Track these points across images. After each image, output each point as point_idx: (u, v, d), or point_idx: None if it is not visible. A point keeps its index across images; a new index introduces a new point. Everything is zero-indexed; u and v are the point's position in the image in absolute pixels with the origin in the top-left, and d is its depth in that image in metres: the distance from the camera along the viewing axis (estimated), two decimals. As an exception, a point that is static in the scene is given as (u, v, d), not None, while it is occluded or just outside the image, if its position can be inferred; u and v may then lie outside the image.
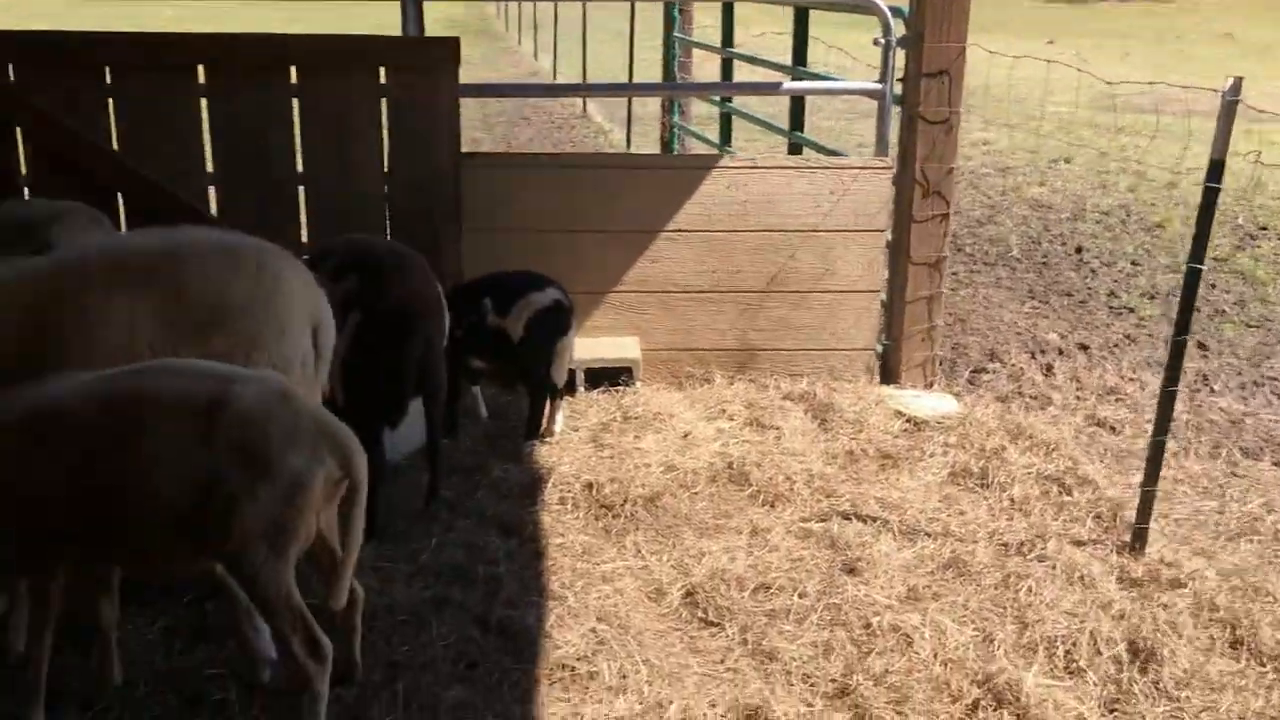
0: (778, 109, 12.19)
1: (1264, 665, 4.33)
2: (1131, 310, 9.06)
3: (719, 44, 12.04)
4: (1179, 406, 6.04)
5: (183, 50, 6.27)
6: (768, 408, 6.55)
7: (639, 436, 6.10)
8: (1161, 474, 5.16)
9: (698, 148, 12.63)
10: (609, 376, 6.84)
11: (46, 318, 3.99)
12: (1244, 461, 6.36)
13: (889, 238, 7.02)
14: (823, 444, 6.18)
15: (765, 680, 4.19)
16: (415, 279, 5.30)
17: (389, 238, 6.46)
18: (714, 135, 12.30)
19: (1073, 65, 8.40)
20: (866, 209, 6.86)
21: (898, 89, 6.93)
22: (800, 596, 4.71)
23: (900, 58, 6.88)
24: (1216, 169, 4.65)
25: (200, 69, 6.26)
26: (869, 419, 6.41)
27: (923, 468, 5.96)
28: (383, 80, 6.38)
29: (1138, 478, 5.25)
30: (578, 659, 4.27)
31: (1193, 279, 4.79)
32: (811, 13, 9.90)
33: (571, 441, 6.13)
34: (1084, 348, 8.14)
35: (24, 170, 6.31)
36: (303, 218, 6.58)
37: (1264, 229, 11.49)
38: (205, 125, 6.39)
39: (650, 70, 15.78)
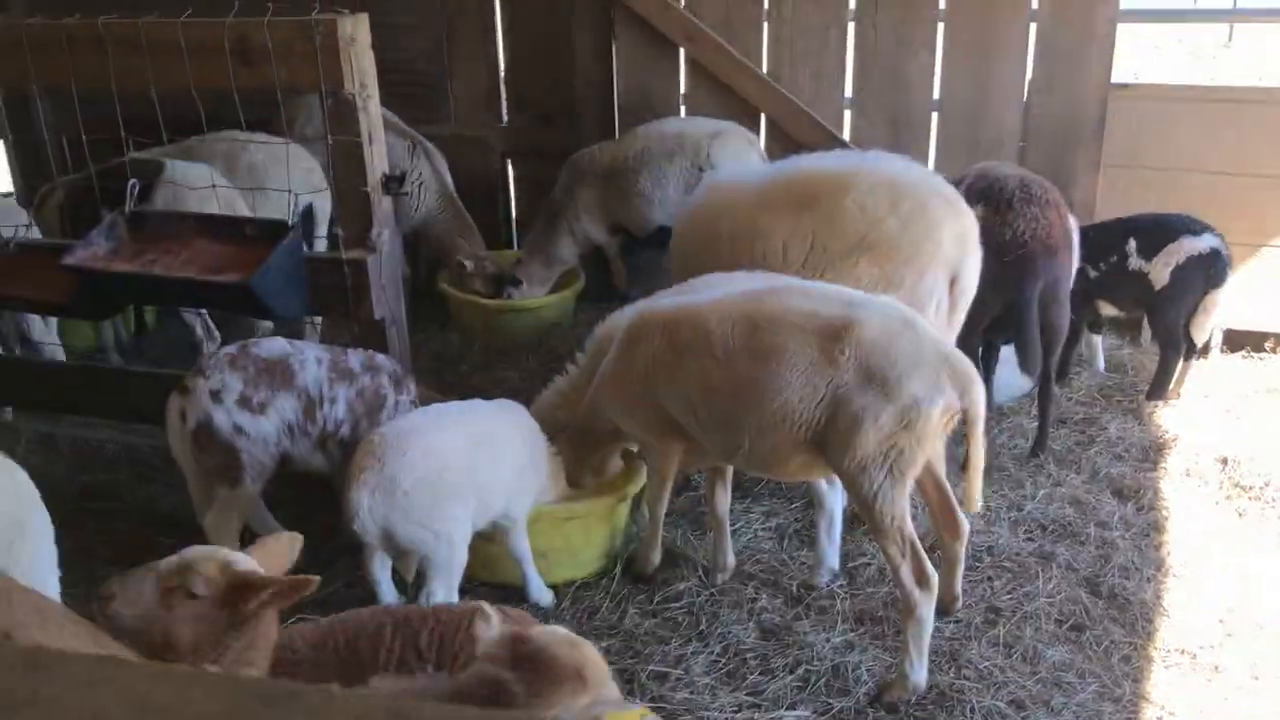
0: None
1: None
2: None
3: None
4: None
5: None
6: None
7: (1288, 414, 5.36)
8: None
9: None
10: (1251, 342, 6.06)
11: (719, 225, 4.44)
12: None
13: None
14: None
15: None
16: (1045, 214, 4.90)
17: (1021, 165, 6.19)
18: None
19: None
20: None
21: None
22: None
23: None
24: None
25: (851, -8, 6.37)
26: None
27: None
28: (1034, 5, 6.06)
29: None
30: (1200, 647, 3.88)
31: None
32: None
33: (1200, 408, 5.52)
34: None
35: (683, 88, 6.86)
36: (931, 144, 6.51)
37: None
38: (849, 50, 6.51)
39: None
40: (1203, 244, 5.30)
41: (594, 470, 4.47)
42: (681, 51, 6.73)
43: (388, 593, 4.06)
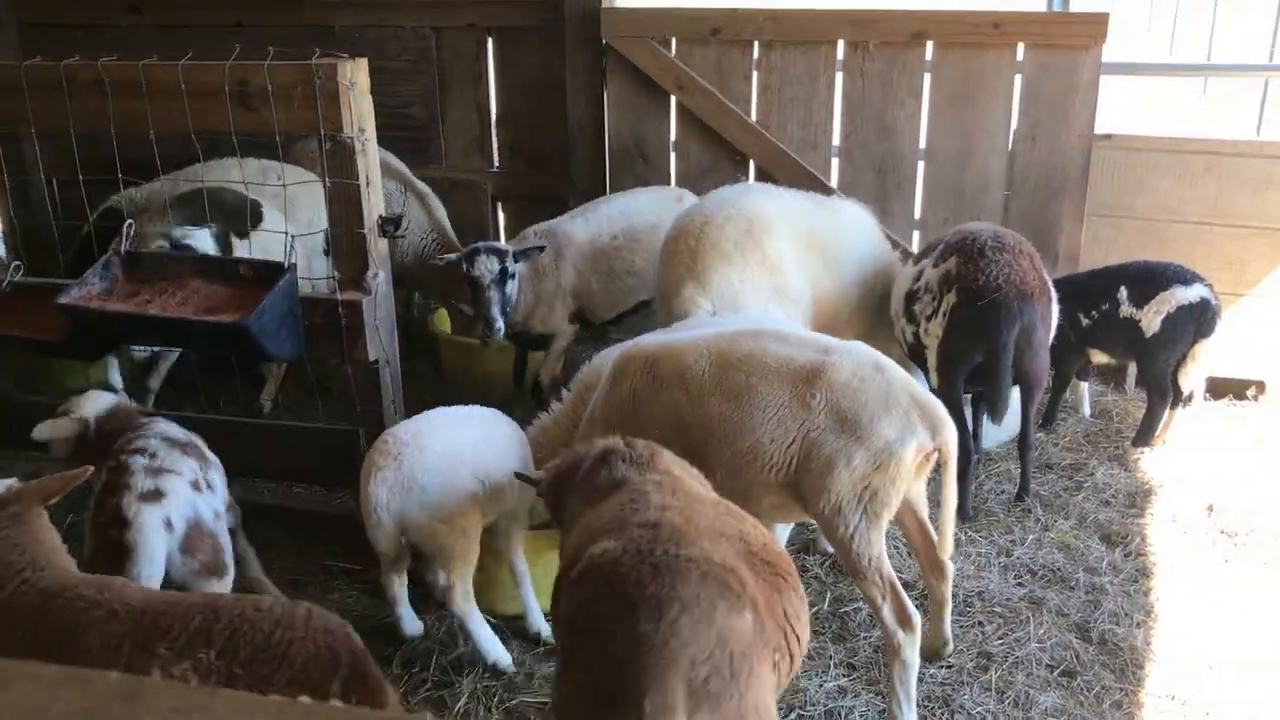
0: None
1: None
2: None
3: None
4: None
5: (824, 26, 6.51)
6: None
7: (1271, 461, 5.41)
8: None
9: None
10: (1234, 390, 6.14)
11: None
12: None
13: None
14: None
15: None
16: (1018, 261, 4.95)
17: (1005, 215, 6.29)
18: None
19: None
20: None
21: None
22: None
23: None
24: None
25: (840, 44, 6.47)
26: None
27: None
28: (1019, 56, 6.18)
29: None
30: (1191, 692, 3.90)
31: None
32: None
33: (1185, 455, 5.57)
34: None
35: (673, 135, 6.94)
36: (918, 192, 6.60)
37: None
38: (836, 98, 6.61)
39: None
40: (1193, 293, 5.39)
41: None
42: (672, 98, 6.82)
43: (408, 619, 4.17)
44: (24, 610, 2.70)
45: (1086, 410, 6.08)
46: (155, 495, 3.64)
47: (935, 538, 3.98)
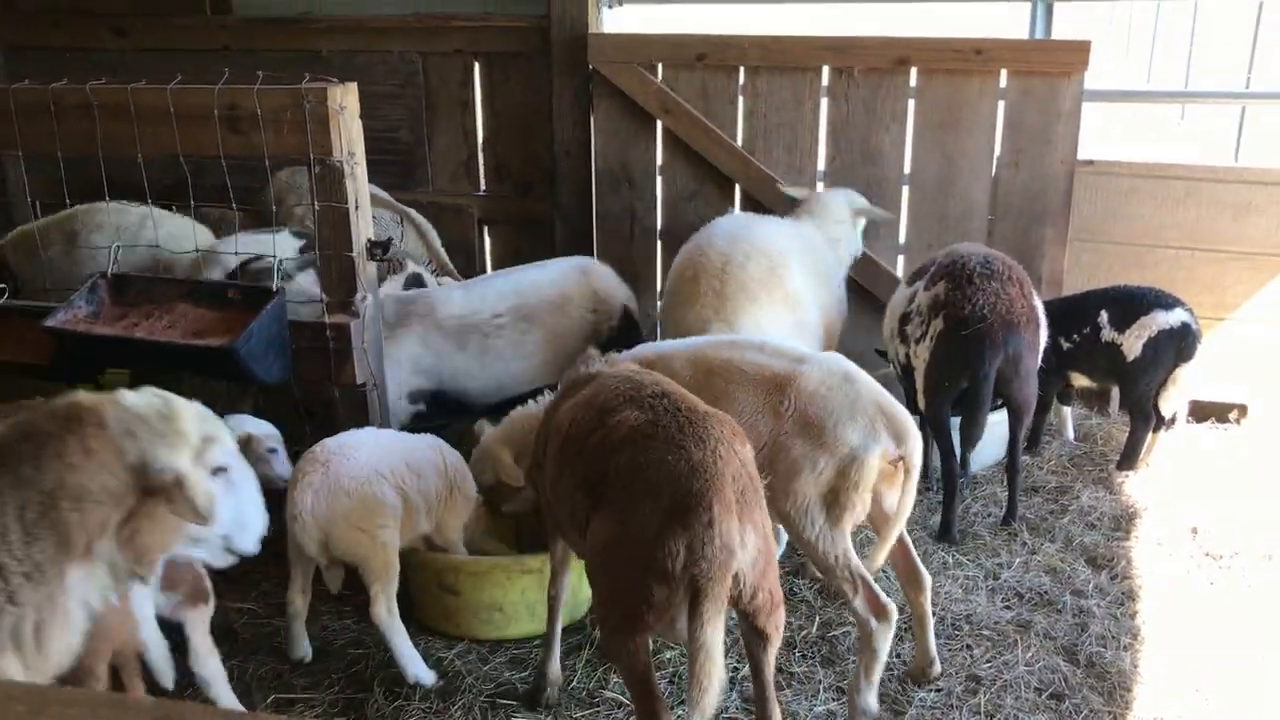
0: None
1: None
2: None
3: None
4: None
5: (809, 52, 6.56)
6: None
7: (1253, 484, 5.45)
8: None
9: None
10: (1216, 413, 6.19)
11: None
12: None
13: None
14: None
15: None
16: (1006, 289, 4.99)
17: (989, 240, 6.34)
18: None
19: None
20: None
21: None
22: None
23: None
24: None
25: (824, 70, 6.53)
26: None
27: None
28: (1002, 83, 6.25)
29: None
30: (1177, 715, 3.91)
31: None
32: None
33: (1169, 478, 5.61)
34: None
35: (659, 159, 6.97)
36: (902, 217, 6.65)
37: None
38: (821, 123, 6.66)
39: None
40: (1174, 318, 5.44)
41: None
42: (659, 123, 6.86)
43: (298, 639, 4.23)
44: None
45: (1070, 434, 6.12)
46: None
47: (913, 550, 4.06)
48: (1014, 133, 6.30)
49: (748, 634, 3.17)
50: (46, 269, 5.28)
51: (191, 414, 2.74)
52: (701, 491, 2.91)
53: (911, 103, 6.46)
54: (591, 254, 6.76)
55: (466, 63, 7.21)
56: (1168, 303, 5.46)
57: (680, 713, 3.46)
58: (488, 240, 7.57)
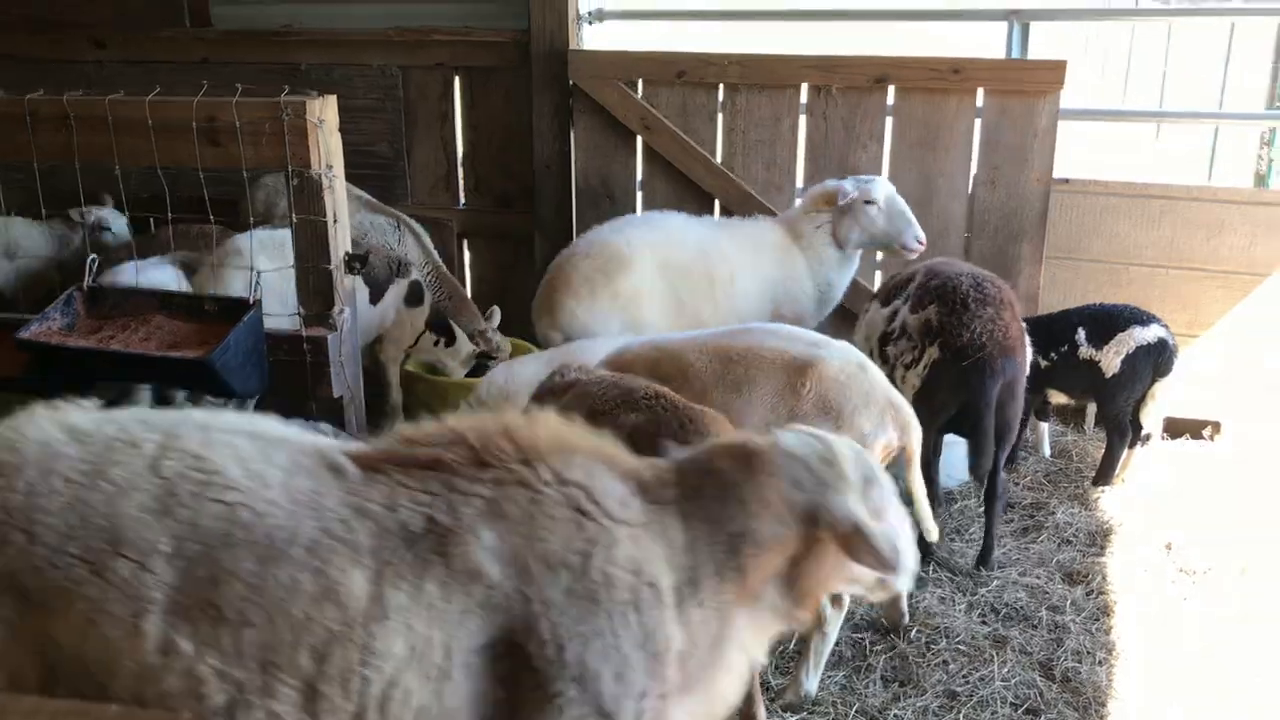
0: None
1: None
2: None
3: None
4: None
5: (789, 70, 6.60)
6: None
7: (1228, 500, 5.49)
8: None
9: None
10: (1191, 429, 6.24)
11: None
12: None
13: None
14: None
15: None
16: (1001, 314, 4.88)
17: (965, 257, 6.36)
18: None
19: None
20: None
21: None
22: None
23: None
24: None
25: (803, 87, 6.57)
26: None
27: None
28: (979, 102, 6.30)
29: None
30: (1154, 732, 3.94)
31: None
32: None
33: (1144, 494, 5.64)
34: None
35: (639, 175, 6.99)
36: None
37: None
38: (800, 140, 6.69)
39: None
40: (1151, 334, 5.47)
41: None
42: (639, 139, 6.88)
43: None
44: None
45: (1046, 450, 6.15)
46: None
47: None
48: (991, 151, 6.35)
49: None
50: None
51: (851, 456, 2.59)
52: None
53: (889, 121, 6.51)
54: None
55: (447, 77, 7.22)
56: (1144, 319, 5.50)
57: None
58: (467, 254, 7.57)
